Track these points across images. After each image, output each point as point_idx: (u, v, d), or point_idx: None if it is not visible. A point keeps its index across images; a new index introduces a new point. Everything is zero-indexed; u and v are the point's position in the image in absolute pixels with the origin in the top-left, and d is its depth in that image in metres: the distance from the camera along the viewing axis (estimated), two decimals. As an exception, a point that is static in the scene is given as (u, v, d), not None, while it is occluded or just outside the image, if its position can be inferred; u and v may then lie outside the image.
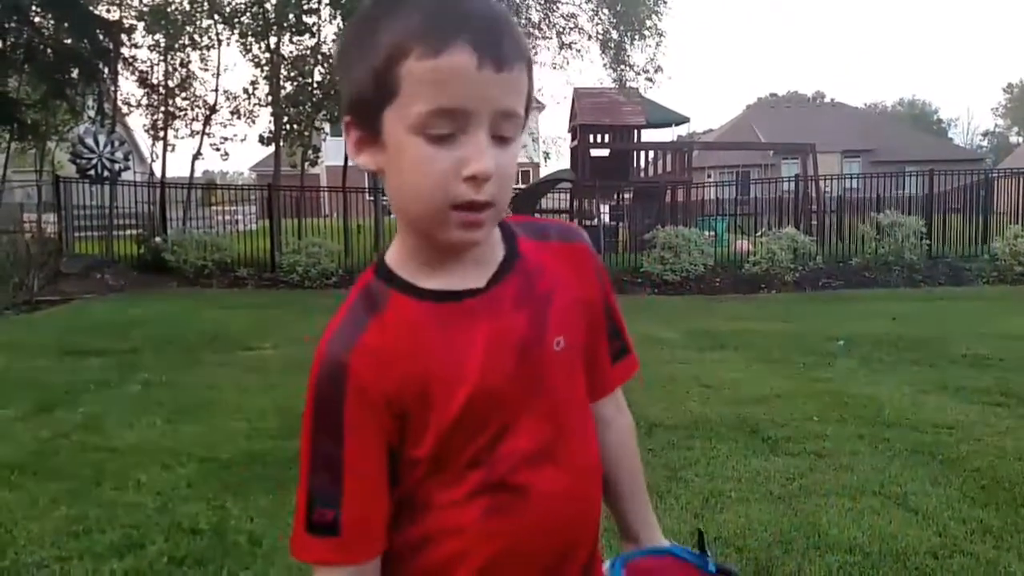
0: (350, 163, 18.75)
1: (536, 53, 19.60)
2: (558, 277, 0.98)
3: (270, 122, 18.40)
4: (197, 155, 19.05)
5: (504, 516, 0.93)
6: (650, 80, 18.59)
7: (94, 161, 14.97)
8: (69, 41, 15.28)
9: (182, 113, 18.99)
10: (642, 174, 20.99)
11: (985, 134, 74.39)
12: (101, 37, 15.29)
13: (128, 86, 37.84)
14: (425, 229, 0.90)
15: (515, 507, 0.93)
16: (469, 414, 0.91)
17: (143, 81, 18.42)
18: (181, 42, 18.12)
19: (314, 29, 17.96)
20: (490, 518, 0.92)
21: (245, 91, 18.82)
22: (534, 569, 0.95)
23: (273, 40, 17.89)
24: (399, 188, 0.88)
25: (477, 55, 0.82)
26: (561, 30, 19.28)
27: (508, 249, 0.96)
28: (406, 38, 0.83)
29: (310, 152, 18.88)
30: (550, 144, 23.83)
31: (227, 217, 18.18)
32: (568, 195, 19.05)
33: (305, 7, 17.34)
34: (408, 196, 0.88)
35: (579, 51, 19.25)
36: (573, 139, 20.62)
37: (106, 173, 15.21)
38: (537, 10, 19.22)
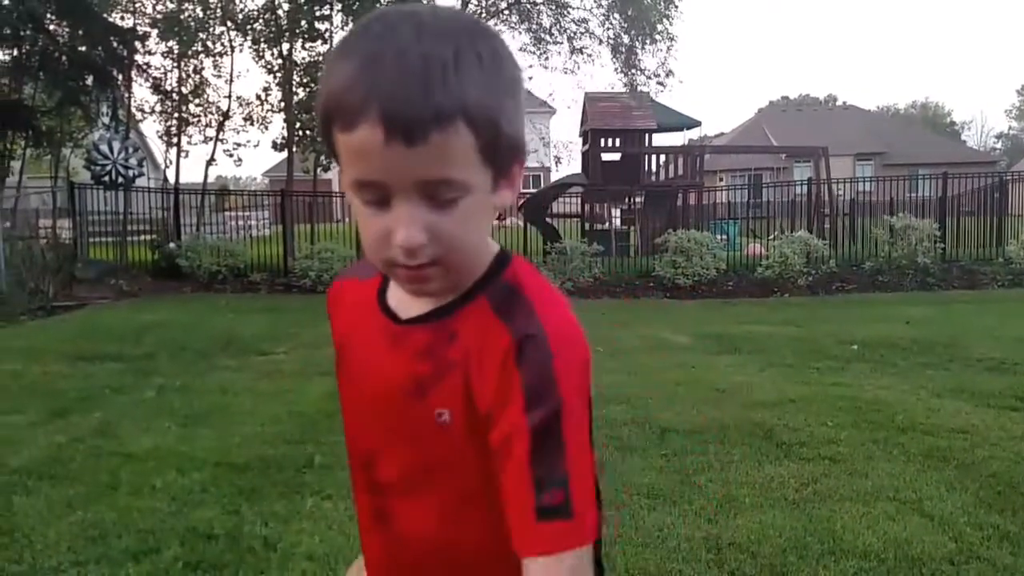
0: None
1: (547, 58, 19.63)
2: (471, 354, 0.88)
3: (283, 128, 18.51)
4: (210, 161, 19.17)
5: (370, 533, 1.01)
6: (661, 84, 18.60)
7: (108, 167, 15.08)
8: (84, 48, 15.40)
9: (195, 119, 19.13)
10: (653, 178, 20.95)
11: (999, 136, 74.02)
12: (115, 44, 15.41)
13: (142, 92, 38.13)
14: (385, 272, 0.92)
15: (378, 531, 0.99)
16: (354, 407, 0.99)
17: (157, 88, 18.55)
18: (194, 49, 18.23)
19: (326, 35, 18.05)
20: (368, 528, 1.02)
21: (258, 97, 18.96)
22: None
23: (286, 46, 17.99)
24: (360, 235, 0.90)
25: (383, 130, 0.78)
26: (572, 35, 19.29)
27: (457, 301, 0.91)
28: (330, 106, 0.81)
29: (323, 158, 18.95)
30: (561, 148, 23.83)
31: (240, 223, 18.27)
32: (579, 199, 19.04)
33: (317, 13, 17.44)
34: (364, 245, 0.89)
35: (590, 56, 19.28)
36: (584, 143, 20.60)
37: (120, 179, 15.32)
38: (548, 15, 19.25)
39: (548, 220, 17.88)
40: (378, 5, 17.02)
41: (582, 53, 19.30)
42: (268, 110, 19.03)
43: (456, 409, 0.89)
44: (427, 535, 0.95)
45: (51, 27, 15.23)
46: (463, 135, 0.80)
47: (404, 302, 0.94)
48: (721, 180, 30.94)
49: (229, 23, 18.11)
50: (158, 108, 18.90)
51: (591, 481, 0.85)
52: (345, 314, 1.02)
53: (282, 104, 18.52)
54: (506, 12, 19.38)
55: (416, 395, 0.91)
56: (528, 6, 19.13)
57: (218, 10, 18.07)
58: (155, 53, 18.22)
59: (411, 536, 0.95)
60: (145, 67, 18.15)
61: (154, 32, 17.84)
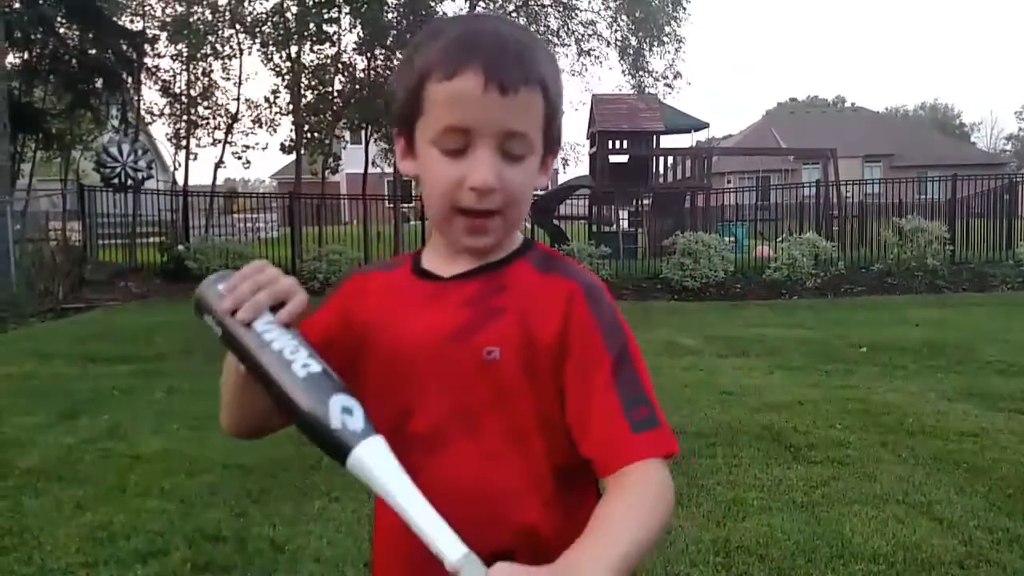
0: (370, 171, 18.92)
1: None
2: (525, 302, 0.98)
3: (291, 130, 18.60)
4: (219, 163, 19.28)
5: None
6: (669, 86, 18.57)
7: (118, 170, 15.15)
8: (94, 52, 15.51)
9: (204, 122, 19.23)
10: (661, 180, 20.92)
11: (1009, 138, 73.58)
12: (125, 47, 15.53)
13: (151, 95, 38.17)
14: (440, 229, 1.03)
15: None
16: (386, 372, 1.01)
17: (166, 90, 18.66)
18: (203, 52, 18.33)
19: (335, 38, 18.12)
20: None
21: (266, 100, 19.08)
22: (408, 561, 0.94)
23: (294, 49, 18.07)
24: (424, 191, 1.01)
25: (484, 79, 0.92)
26: (580, 37, 19.29)
27: (504, 259, 1.03)
28: (430, 64, 0.96)
29: (330, 160, 19.03)
30: (569, 150, 23.87)
31: (248, 225, 18.33)
32: (587, 201, 19.03)
33: (326, 16, 17.48)
34: (428, 199, 1.00)
35: (598, 58, 19.28)
36: (592, 145, 20.57)
37: (130, 182, 15.39)
38: (556, 18, 19.26)
39: (555, 222, 17.87)
40: (386, 7, 17.07)
41: (590, 55, 19.31)
42: (277, 112, 19.13)
43: (508, 348, 0.96)
44: (464, 480, 0.96)
45: (62, 31, 15.34)
46: (539, 100, 0.97)
47: (443, 265, 1.04)
48: (729, 182, 30.90)
49: (238, 26, 18.19)
50: (167, 111, 19.04)
51: (656, 399, 0.97)
52: (373, 299, 1.07)
53: (290, 107, 18.59)
54: (514, 14, 19.39)
55: (460, 338, 0.97)
56: (536, 8, 19.14)
57: (227, 13, 18.16)
58: (164, 56, 18.38)
59: (446, 484, 0.93)
60: (154, 70, 18.28)
61: (163, 35, 17.97)
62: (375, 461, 0.79)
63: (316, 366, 0.83)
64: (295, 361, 0.83)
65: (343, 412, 0.80)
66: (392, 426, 0.96)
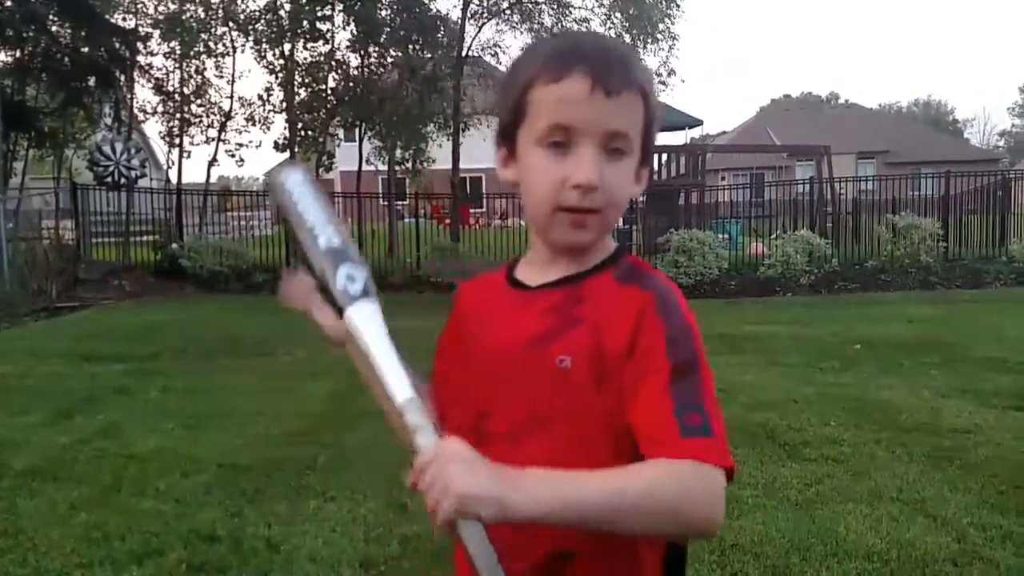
0: (364, 168, 18.87)
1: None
2: (599, 312, 1.01)
3: (285, 128, 18.51)
4: (212, 161, 19.20)
5: None
6: (663, 83, 18.61)
7: (111, 168, 15.11)
8: (86, 49, 15.44)
9: (197, 120, 19.14)
10: (655, 177, 20.94)
11: (1002, 134, 73.69)
12: (117, 45, 15.46)
13: (144, 93, 37.87)
14: (541, 228, 1.06)
15: None
16: (471, 374, 1.07)
17: (159, 88, 18.58)
18: (196, 49, 18.26)
19: (328, 35, 18.06)
20: None
21: (260, 98, 18.97)
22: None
23: (287, 47, 18.00)
24: (526, 193, 1.05)
25: (591, 82, 0.98)
26: (574, 34, 19.26)
27: (585, 272, 1.06)
28: (535, 71, 1.02)
29: (324, 158, 18.97)
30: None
31: (243, 223, 18.27)
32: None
33: (319, 14, 17.43)
34: (530, 199, 1.05)
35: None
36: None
37: (123, 180, 15.34)
38: (550, 15, 19.26)
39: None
40: (379, 5, 17.03)
41: (584, 52, 19.27)
42: (270, 110, 19.05)
43: (580, 357, 0.99)
44: None
45: (53, 28, 15.26)
46: (639, 105, 1.02)
47: (533, 275, 1.09)
48: (723, 179, 30.90)
49: (231, 23, 18.13)
50: (160, 109, 18.94)
51: (723, 422, 0.93)
52: (471, 307, 1.15)
53: (284, 104, 18.53)
54: (507, 12, 19.39)
55: (537, 345, 1.02)
56: (530, 6, 19.14)
57: (220, 11, 18.09)
58: (157, 54, 18.28)
59: None
60: (147, 68, 18.21)
61: (156, 33, 17.88)
62: (362, 321, 0.94)
63: (336, 240, 0.99)
64: (321, 235, 0.99)
65: (347, 279, 0.96)
66: (472, 424, 1.04)
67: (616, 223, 1.08)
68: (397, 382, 0.90)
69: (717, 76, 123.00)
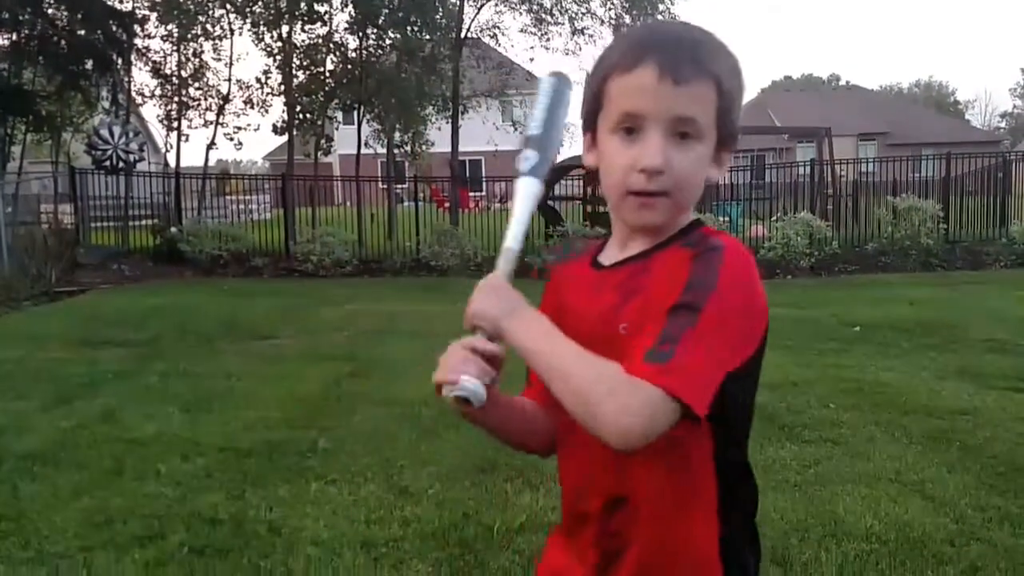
0: (363, 151, 18.81)
1: (548, 39, 19.53)
2: (657, 277, 1.07)
3: (283, 111, 18.45)
4: (211, 145, 19.13)
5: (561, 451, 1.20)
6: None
7: (109, 152, 15.05)
8: (83, 32, 15.34)
9: (195, 103, 19.06)
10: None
11: (1003, 115, 73.48)
12: (114, 28, 15.35)
13: (142, 76, 38.02)
14: (616, 210, 1.13)
15: (564, 449, 1.18)
16: None
17: (156, 71, 18.48)
18: (194, 32, 18.14)
19: (326, 17, 17.96)
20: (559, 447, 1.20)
21: (258, 81, 18.87)
22: (568, 500, 1.19)
23: (285, 29, 17.89)
24: (603, 177, 1.13)
25: (659, 71, 1.04)
26: (573, 15, 19.18)
27: (654, 247, 1.12)
28: (612, 62, 1.09)
29: (323, 141, 18.92)
30: (563, 131, 23.76)
31: (241, 207, 18.22)
32: (581, 182, 18.99)
33: (317, -5, 17.31)
34: (606, 183, 1.12)
35: (591, 36, 19.17)
36: (586, 125, 20.53)
37: (121, 164, 15.28)
38: (549, -5, 19.11)
39: (550, 203, 17.82)
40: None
41: (583, 34, 19.21)
42: (268, 93, 18.96)
43: (635, 323, 1.04)
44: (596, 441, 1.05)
45: (50, 11, 15.17)
46: (711, 93, 1.06)
47: (611, 255, 1.17)
48: (723, 161, 30.81)
49: (228, 6, 18.00)
50: (158, 92, 18.86)
51: (704, 365, 0.97)
52: (558, 287, 1.23)
53: (282, 87, 18.45)
54: (507, -9, 19.25)
55: (605, 320, 1.09)
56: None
57: (217, -8, 17.96)
58: (154, 37, 18.17)
59: (586, 438, 1.02)
60: (145, 51, 18.10)
61: (153, 15, 17.75)
62: (519, 189, 1.16)
63: (535, 131, 1.20)
64: (532, 124, 1.21)
65: (524, 159, 1.17)
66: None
67: (692, 205, 1.12)
68: (513, 233, 1.13)
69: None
